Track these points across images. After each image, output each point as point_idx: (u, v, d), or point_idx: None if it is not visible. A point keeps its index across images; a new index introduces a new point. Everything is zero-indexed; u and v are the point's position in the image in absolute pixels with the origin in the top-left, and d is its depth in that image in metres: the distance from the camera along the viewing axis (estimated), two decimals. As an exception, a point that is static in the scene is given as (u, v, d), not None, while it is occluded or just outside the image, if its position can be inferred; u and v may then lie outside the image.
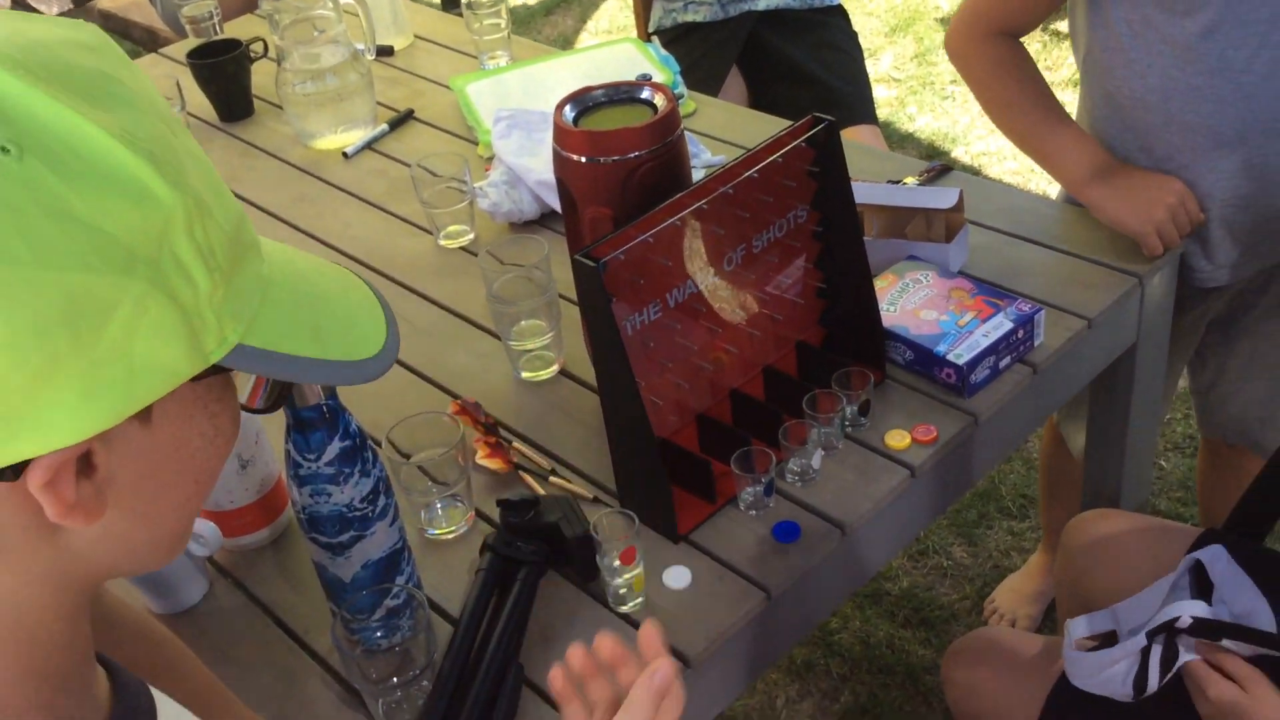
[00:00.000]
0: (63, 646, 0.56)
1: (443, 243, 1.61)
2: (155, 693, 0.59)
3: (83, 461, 0.50)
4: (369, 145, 1.86)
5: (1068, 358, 1.31)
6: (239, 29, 2.24)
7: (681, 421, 1.20)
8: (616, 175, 1.13)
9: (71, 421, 0.48)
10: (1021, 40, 1.48)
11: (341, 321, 0.59)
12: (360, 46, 1.93)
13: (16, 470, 0.48)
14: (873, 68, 3.45)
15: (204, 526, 1.07)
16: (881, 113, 3.35)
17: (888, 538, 1.19)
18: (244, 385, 0.63)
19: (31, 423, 0.47)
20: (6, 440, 0.47)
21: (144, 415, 0.52)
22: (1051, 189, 2.22)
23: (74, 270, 0.47)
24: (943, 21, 3.80)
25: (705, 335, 1.19)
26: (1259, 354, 1.60)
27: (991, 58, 1.46)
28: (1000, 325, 1.26)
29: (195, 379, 0.53)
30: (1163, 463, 2.29)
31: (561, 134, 1.15)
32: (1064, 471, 1.78)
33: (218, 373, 0.54)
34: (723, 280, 1.19)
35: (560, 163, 1.17)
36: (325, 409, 0.95)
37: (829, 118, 1.18)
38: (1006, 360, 1.26)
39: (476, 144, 1.82)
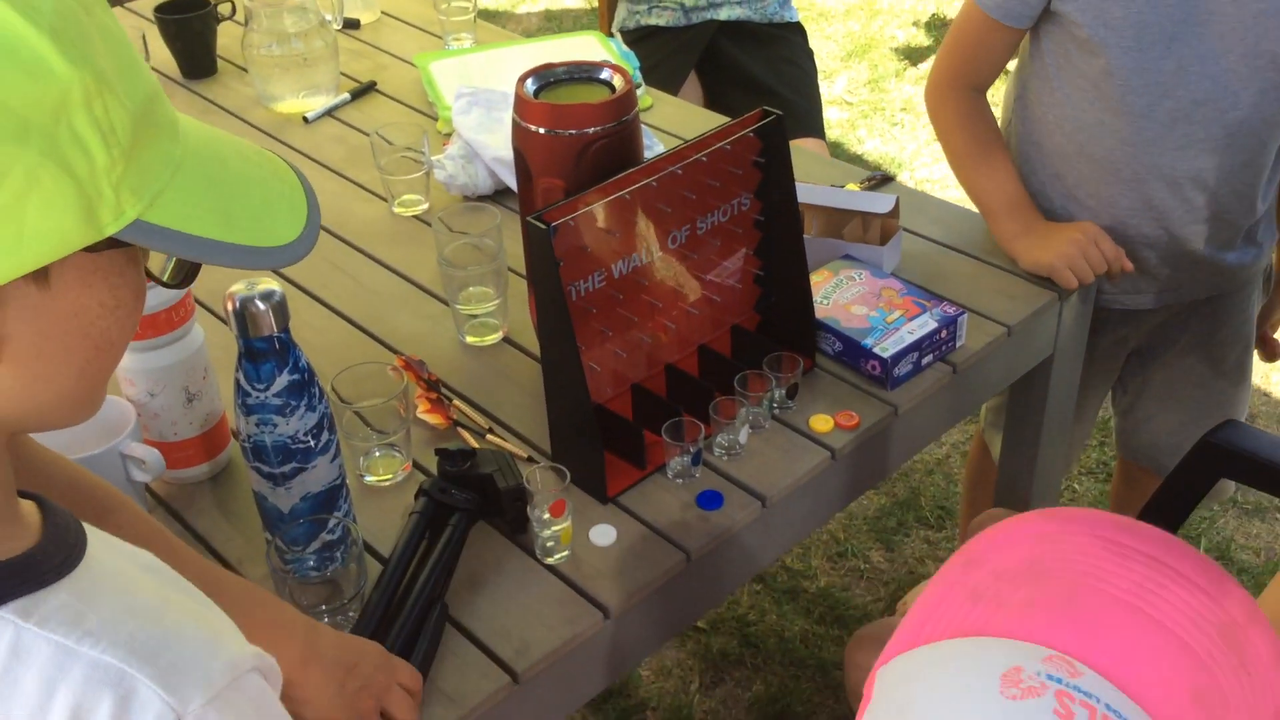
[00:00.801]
0: None
1: (397, 210, 1.65)
2: (85, 525, 0.63)
3: None
4: (330, 112, 1.90)
5: (986, 361, 1.38)
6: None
7: (617, 390, 1.25)
8: (572, 148, 1.18)
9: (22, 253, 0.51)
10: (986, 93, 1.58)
11: (256, 207, 0.61)
12: (328, 16, 1.96)
13: None
14: (826, 90, 3.54)
15: (147, 452, 1.10)
16: (832, 134, 3.44)
17: (805, 514, 1.25)
18: (163, 260, 0.66)
19: None
20: None
21: (41, 279, 0.54)
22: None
23: (26, 105, 0.50)
24: (897, 51, 3.90)
25: (646, 309, 1.24)
26: (1174, 386, 1.69)
27: (957, 112, 1.55)
28: (925, 324, 1.32)
29: (94, 249, 0.55)
30: (1076, 485, 2.39)
31: (522, 105, 1.20)
32: (986, 480, 1.86)
33: (117, 246, 0.56)
34: (666, 258, 1.24)
35: (519, 133, 1.22)
36: (276, 341, 0.98)
37: (777, 111, 1.24)
38: (929, 358, 1.33)
39: (436, 120, 1.86)
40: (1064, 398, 1.57)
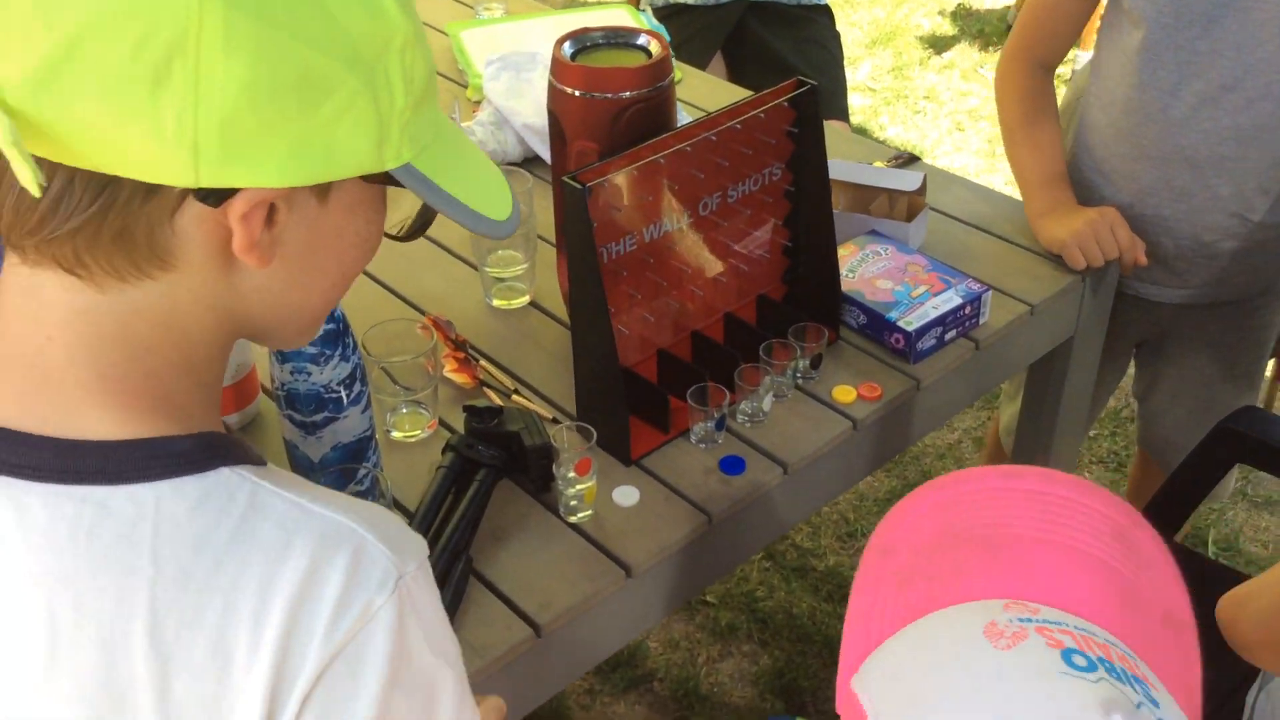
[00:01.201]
0: (212, 375, 0.64)
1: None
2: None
3: (269, 211, 0.59)
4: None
5: (1008, 339, 1.39)
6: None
7: (644, 354, 1.26)
8: (607, 112, 1.19)
9: (278, 170, 0.57)
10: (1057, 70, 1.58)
11: (483, 181, 0.68)
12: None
13: (220, 198, 0.57)
14: (850, 76, 3.53)
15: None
16: (855, 119, 3.44)
17: (826, 482, 1.26)
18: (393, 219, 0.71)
19: (249, 161, 0.56)
20: (226, 167, 0.55)
21: (323, 194, 0.61)
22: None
23: (313, 49, 0.56)
24: (922, 39, 3.90)
25: (675, 275, 1.26)
26: (1184, 383, 1.70)
27: (1019, 86, 1.56)
28: (950, 300, 1.33)
29: (369, 180, 0.61)
30: (1086, 474, 2.40)
31: (559, 67, 1.21)
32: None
33: (386, 183, 0.62)
34: (697, 224, 1.25)
35: (554, 95, 1.23)
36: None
37: (812, 81, 1.25)
38: (952, 333, 1.34)
39: (466, 87, 1.87)
40: (1083, 380, 1.58)
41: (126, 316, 0.59)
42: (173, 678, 0.57)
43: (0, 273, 0.60)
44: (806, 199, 1.31)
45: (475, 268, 1.44)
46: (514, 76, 1.67)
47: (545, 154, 1.63)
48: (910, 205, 1.49)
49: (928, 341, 1.31)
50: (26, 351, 0.59)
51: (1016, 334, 1.39)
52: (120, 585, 0.56)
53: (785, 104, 1.25)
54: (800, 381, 1.29)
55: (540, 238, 1.45)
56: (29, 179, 0.53)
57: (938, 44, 3.87)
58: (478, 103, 1.80)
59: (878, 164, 1.65)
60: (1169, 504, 1.51)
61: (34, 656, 0.58)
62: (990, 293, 1.36)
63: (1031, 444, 1.63)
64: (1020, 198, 1.56)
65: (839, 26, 2.67)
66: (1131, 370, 1.80)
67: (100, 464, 0.57)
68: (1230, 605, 1.03)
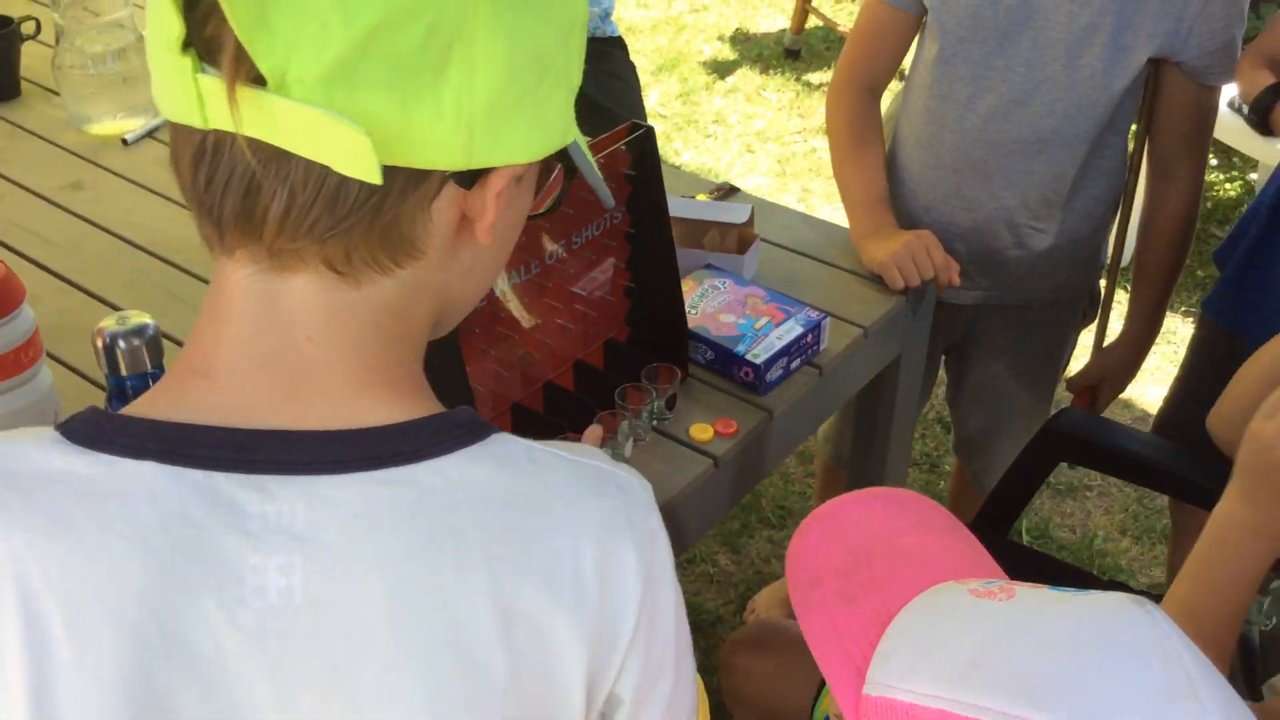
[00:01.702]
0: (420, 355, 0.65)
1: (237, 234, 1.57)
2: None
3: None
4: (150, 133, 1.79)
5: (847, 361, 1.43)
6: (4, 7, 2.10)
7: (498, 410, 1.23)
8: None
9: (526, 146, 0.60)
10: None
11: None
12: (145, 33, 1.86)
13: (472, 179, 0.59)
14: (640, 103, 3.59)
15: None
16: (649, 146, 3.49)
17: (694, 521, 1.26)
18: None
19: (506, 139, 0.58)
20: (492, 147, 0.58)
21: (519, 174, 0.62)
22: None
23: (545, 24, 0.58)
24: (705, 65, 4.00)
25: (522, 326, 1.23)
26: (983, 389, 1.78)
27: (846, 111, 1.60)
28: (792, 329, 1.36)
29: (542, 160, 0.63)
30: (905, 477, 2.50)
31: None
32: (836, 485, 1.92)
33: (559, 159, 0.65)
34: (543, 273, 1.23)
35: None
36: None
37: (647, 124, 1.25)
38: (797, 362, 1.37)
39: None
40: (911, 394, 1.64)
41: (378, 309, 0.60)
42: (515, 628, 0.59)
43: (222, 287, 0.60)
44: (648, 239, 1.31)
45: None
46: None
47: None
48: (741, 237, 1.51)
49: (776, 372, 1.33)
50: (286, 356, 0.59)
51: (854, 356, 1.44)
52: (455, 551, 0.59)
53: (623, 148, 1.25)
54: (657, 423, 1.28)
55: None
56: (373, 170, 0.54)
57: (720, 69, 3.97)
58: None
59: (701, 197, 1.67)
60: (1000, 505, 1.58)
61: (378, 640, 0.58)
62: (828, 319, 1.39)
63: (866, 461, 1.68)
64: (842, 222, 1.61)
65: (628, 56, 2.70)
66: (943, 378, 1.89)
67: (398, 446, 0.59)
68: (1211, 415, 1.17)
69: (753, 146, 3.58)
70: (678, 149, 3.55)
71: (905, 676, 0.66)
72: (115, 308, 1.43)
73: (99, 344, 0.90)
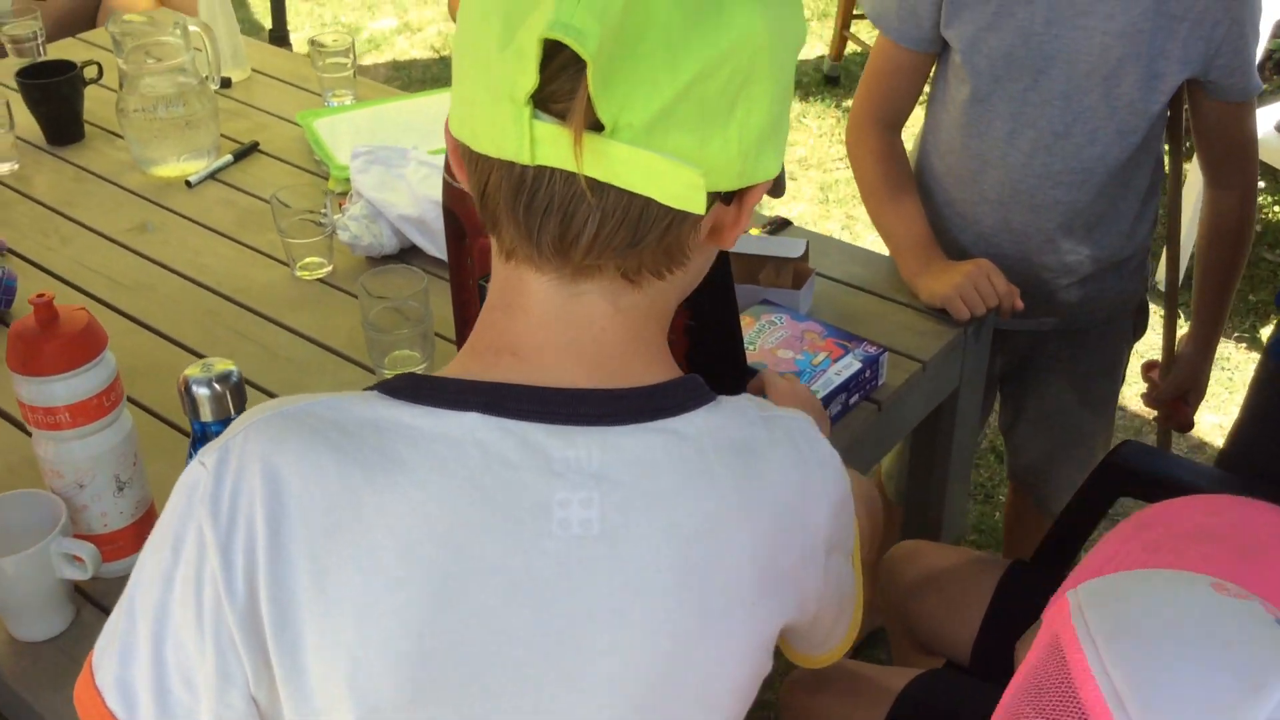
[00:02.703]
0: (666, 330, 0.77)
1: (299, 274, 1.60)
2: None
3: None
4: (213, 175, 1.83)
5: (906, 396, 1.43)
6: (61, 53, 2.16)
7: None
8: (510, 209, 1.17)
9: (774, 163, 0.70)
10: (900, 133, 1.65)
11: None
12: (206, 75, 1.90)
13: (731, 195, 0.69)
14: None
15: (82, 548, 1.03)
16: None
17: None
18: None
19: (765, 160, 0.69)
20: (757, 167, 0.68)
21: (770, 186, 0.73)
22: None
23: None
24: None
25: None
26: (1044, 412, 1.79)
27: (872, 151, 1.62)
28: (850, 365, 1.37)
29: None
30: (956, 506, 2.48)
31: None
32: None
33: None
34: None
35: (452, 193, 1.20)
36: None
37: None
38: (855, 397, 1.37)
39: (327, 179, 1.82)
40: (969, 427, 1.64)
41: (652, 303, 0.72)
42: (779, 552, 0.74)
43: (522, 288, 0.70)
44: (707, 277, 1.32)
45: (372, 370, 1.40)
46: (384, 171, 1.64)
47: (425, 245, 1.60)
48: (796, 272, 1.52)
49: (835, 408, 1.34)
50: (583, 341, 0.70)
51: (912, 391, 1.44)
52: (712, 484, 0.71)
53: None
54: (718, 460, 1.29)
55: (438, 335, 1.42)
56: (700, 203, 0.64)
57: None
58: (341, 194, 1.76)
59: (754, 231, 1.68)
60: (1060, 541, 1.57)
61: (664, 563, 0.70)
62: (886, 354, 1.40)
63: (925, 494, 1.68)
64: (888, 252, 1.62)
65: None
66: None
67: (664, 402, 0.72)
68: None
69: (794, 174, 3.59)
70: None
71: (1090, 600, 0.68)
72: (186, 349, 1.46)
73: (184, 391, 0.92)
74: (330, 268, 1.61)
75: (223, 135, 1.91)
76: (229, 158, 1.86)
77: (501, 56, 0.63)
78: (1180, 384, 1.76)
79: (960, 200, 1.59)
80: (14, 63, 2.04)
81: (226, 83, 2.09)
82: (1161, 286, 2.00)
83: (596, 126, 0.62)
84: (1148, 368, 1.84)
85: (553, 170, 0.64)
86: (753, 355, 1.38)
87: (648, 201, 0.64)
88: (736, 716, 0.79)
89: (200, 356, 1.44)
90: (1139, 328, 1.78)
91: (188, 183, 1.81)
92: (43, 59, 1.99)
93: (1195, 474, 1.54)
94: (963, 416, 1.59)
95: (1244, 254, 1.65)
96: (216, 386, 0.91)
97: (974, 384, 1.59)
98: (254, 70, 2.17)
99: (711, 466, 0.71)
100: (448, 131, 0.71)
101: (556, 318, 0.70)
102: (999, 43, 1.46)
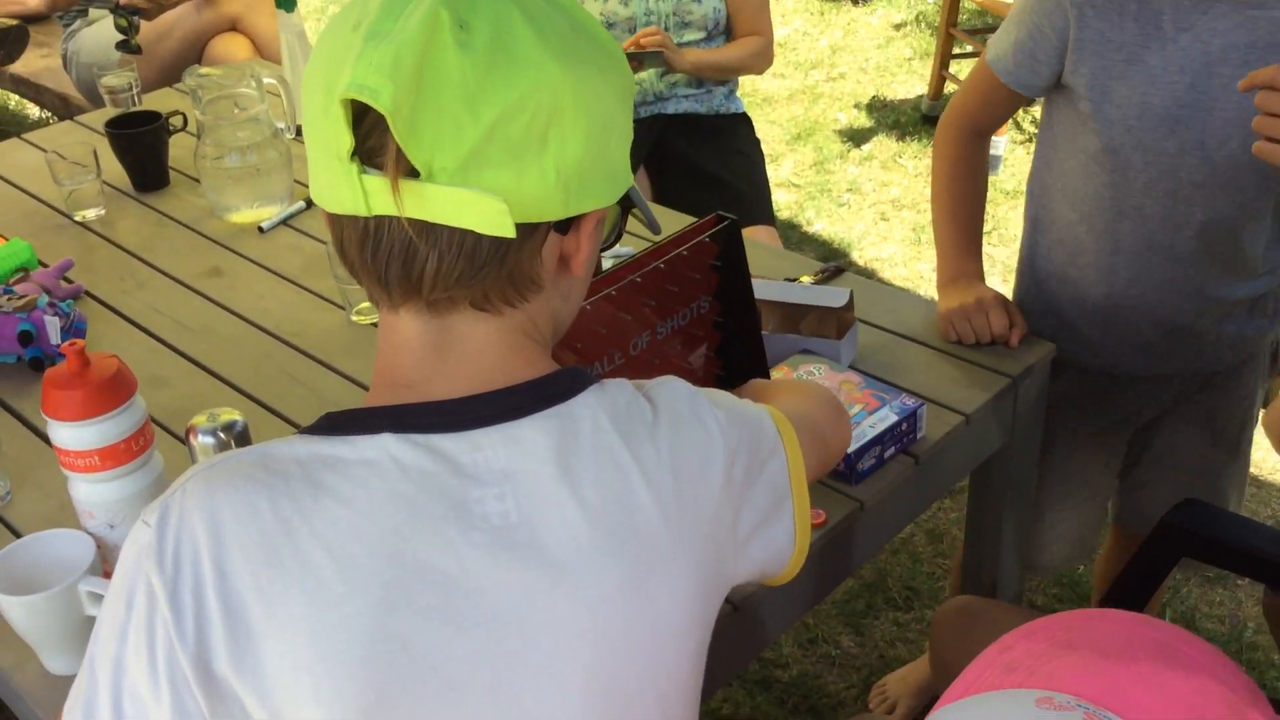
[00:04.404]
0: (548, 355, 0.83)
1: (354, 318, 1.64)
2: None
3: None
4: (285, 221, 1.90)
5: (946, 451, 1.39)
6: (156, 102, 2.27)
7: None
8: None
9: (606, 192, 0.78)
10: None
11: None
12: (281, 125, 1.98)
13: (567, 226, 0.77)
14: (773, 173, 3.60)
15: (105, 586, 1.08)
16: (781, 216, 3.50)
17: (774, 619, 1.24)
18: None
19: (591, 190, 0.76)
20: (582, 198, 0.75)
21: (603, 216, 0.81)
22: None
23: (615, 99, 0.77)
24: (840, 133, 3.99)
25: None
26: (1173, 455, 1.71)
27: (951, 150, 1.62)
28: (886, 418, 1.34)
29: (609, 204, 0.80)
30: (1037, 559, 2.40)
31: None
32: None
33: (617, 205, 0.82)
34: (629, 364, 1.25)
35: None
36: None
37: (731, 216, 1.26)
38: (891, 450, 1.34)
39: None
40: (1023, 482, 1.59)
41: (519, 327, 0.79)
42: (685, 503, 0.81)
43: (396, 331, 0.78)
44: (736, 328, 1.32)
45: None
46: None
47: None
48: (839, 321, 1.50)
49: (868, 461, 1.31)
50: (464, 363, 0.78)
51: (954, 445, 1.40)
52: (610, 453, 0.78)
53: (707, 239, 1.26)
54: (743, 512, 1.28)
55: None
56: (509, 227, 0.72)
57: (856, 137, 3.96)
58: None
59: (804, 279, 1.67)
60: (1123, 598, 1.51)
61: (582, 535, 0.77)
62: (925, 406, 1.37)
63: (978, 550, 1.63)
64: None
65: (758, 126, 2.72)
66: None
67: (552, 390, 0.79)
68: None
69: (887, 214, 3.54)
70: (809, 218, 3.55)
71: None
72: (240, 390, 1.51)
73: (192, 440, 0.96)
74: (385, 312, 1.65)
75: (297, 181, 1.98)
76: (301, 204, 1.93)
77: (324, 121, 0.72)
78: None
79: (1094, 250, 1.54)
80: (108, 112, 2.15)
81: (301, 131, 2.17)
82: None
83: (414, 173, 0.71)
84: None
85: (390, 219, 0.72)
86: (787, 406, 1.36)
87: (478, 236, 0.72)
88: (687, 668, 0.85)
89: (252, 399, 1.49)
90: (1274, 365, 1.72)
91: (260, 228, 1.88)
92: (136, 109, 2.09)
93: (1257, 535, 1.46)
94: (1016, 468, 1.54)
95: None
96: (221, 435, 0.94)
97: (1026, 440, 1.54)
98: (335, 118, 2.24)
99: (606, 440, 0.78)
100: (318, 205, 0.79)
101: (434, 349, 0.78)
102: (1129, 92, 1.41)
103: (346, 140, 0.71)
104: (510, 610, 0.75)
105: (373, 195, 0.72)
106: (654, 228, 0.90)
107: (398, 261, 0.74)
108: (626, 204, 0.85)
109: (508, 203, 0.71)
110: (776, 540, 0.91)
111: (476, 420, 0.76)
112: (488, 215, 0.71)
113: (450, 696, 0.74)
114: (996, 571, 1.62)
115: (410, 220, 0.72)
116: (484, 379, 0.78)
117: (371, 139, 0.72)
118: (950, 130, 1.62)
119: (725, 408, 0.88)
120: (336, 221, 0.76)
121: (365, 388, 1.51)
